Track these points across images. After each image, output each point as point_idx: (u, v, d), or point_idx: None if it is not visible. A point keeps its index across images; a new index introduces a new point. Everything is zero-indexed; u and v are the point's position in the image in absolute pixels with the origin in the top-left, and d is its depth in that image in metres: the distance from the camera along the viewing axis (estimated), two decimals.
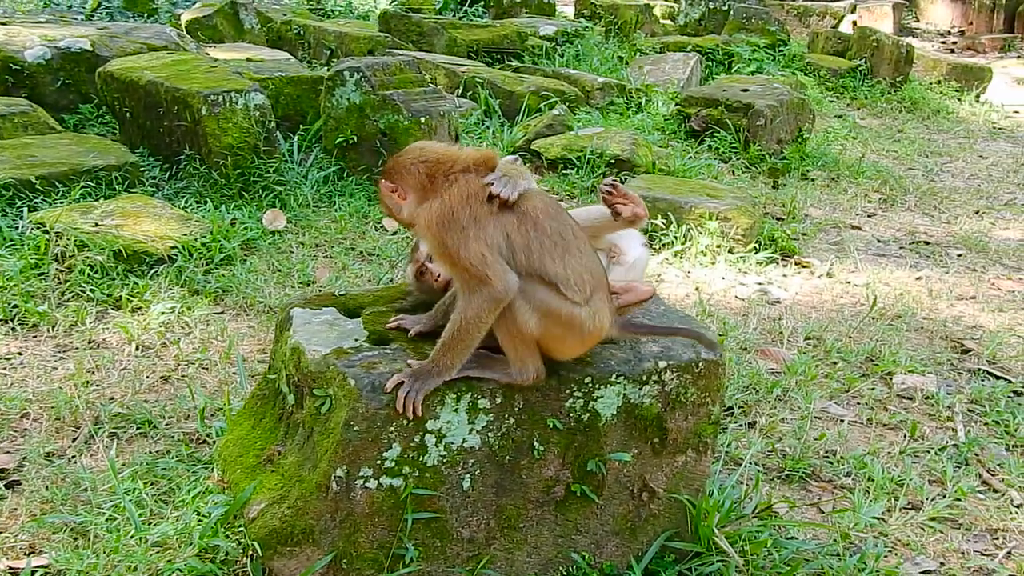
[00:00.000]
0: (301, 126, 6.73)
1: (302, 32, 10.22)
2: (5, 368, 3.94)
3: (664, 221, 5.92)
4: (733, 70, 11.71)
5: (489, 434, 2.61)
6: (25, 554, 2.81)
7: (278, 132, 6.22)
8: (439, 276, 2.85)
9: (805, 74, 12.20)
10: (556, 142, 7.35)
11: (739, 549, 2.92)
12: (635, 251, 3.26)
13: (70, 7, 11.07)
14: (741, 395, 4.16)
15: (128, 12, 10.65)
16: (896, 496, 3.52)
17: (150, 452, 3.40)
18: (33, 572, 2.70)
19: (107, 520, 2.93)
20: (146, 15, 10.67)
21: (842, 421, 4.06)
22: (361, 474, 2.52)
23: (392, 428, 2.50)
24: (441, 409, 2.53)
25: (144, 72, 6.16)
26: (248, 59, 7.84)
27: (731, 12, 13.49)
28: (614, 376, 2.70)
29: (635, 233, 3.30)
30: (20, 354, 4.06)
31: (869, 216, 7.44)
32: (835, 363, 4.61)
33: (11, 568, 2.73)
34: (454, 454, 2.59)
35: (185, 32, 9.00)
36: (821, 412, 4.14)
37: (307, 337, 2.74)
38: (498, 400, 2.59)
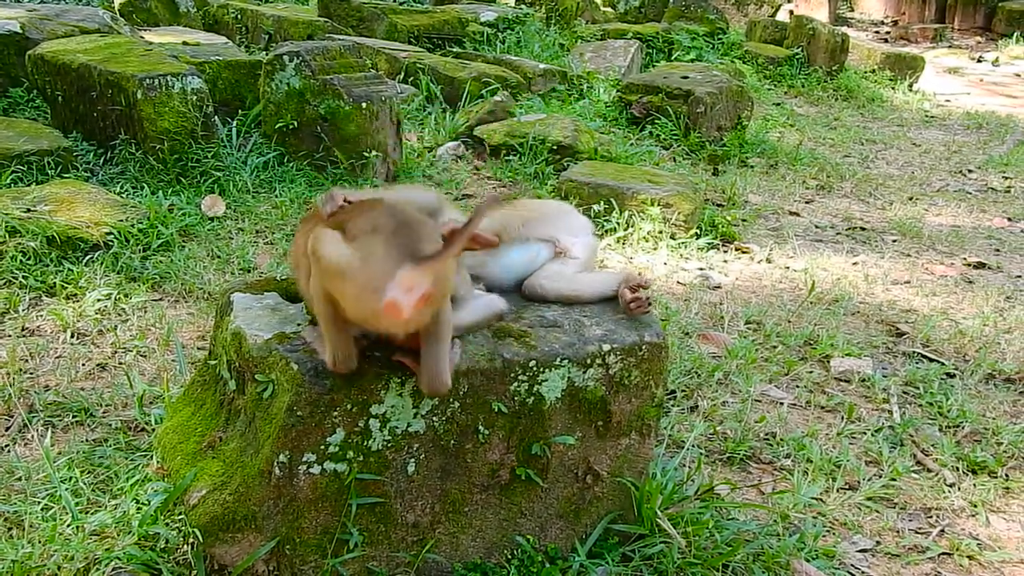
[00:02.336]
0: (240, 111, 6.61)
1: (239, 16, 10.06)
2: None
3: (606, 207, 5.95)
4: (673, 57, 11.79)
5: (434, 418, 2.60)
6: None
7: (216, 117, 6.11)
8: None
9: (743, 62, 12.33)
10: (499, 128, 7.33)
11: (681, 530, 2.94)
12: (582, 243, 3.12)
13: None
14: (683, 379, 4.20)
15: None
16: (834, 477, 3.59)
17: (87, 440, 3.33)
18: None
19: (42, 509, 2.86)
20: None
21: (781, 404, 4.12)
22: (304, 459, 2.49)
23: (336, 413, 2.48)
24: (386, 393, 2.52)
25: (76, 55, 6.01)
26: (184, 42, 7.68)
27: (671, 0, 13.58)
28: (558, 359, 2.71)
29: (581, 223, 3.21)
30: None
31: (807, 202, 7.55)
32: (775, 347, 4.67)
33: None
34: (398, 438, 2.57)
35: (119, 15, 8.79)
36: (761, 395, 4.20)
37: (249, 322, 2.70)
38: None
